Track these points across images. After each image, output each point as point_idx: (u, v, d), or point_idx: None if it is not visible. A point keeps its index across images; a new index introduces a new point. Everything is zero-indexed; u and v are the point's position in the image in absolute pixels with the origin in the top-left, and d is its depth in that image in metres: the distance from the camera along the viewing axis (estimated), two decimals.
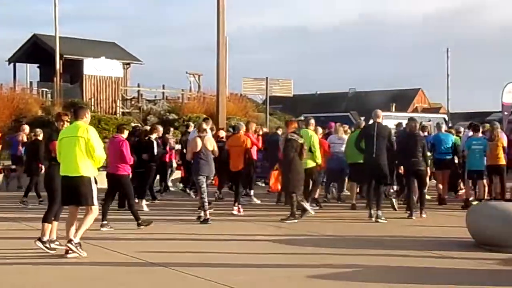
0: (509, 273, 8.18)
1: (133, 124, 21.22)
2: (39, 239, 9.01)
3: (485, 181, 14.91)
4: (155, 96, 36.23)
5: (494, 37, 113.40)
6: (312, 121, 13.79)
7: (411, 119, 14.01)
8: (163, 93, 35.82)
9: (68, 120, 9.47)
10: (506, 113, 29.31)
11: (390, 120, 29.30)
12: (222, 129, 19.25)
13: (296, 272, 8.00)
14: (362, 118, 17.40)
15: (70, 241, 8.63)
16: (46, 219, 9.19)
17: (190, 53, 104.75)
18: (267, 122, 24.23)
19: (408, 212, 12.98)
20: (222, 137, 16.38)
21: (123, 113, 31.82)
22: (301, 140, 12.43)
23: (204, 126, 12.95)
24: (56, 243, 9.17)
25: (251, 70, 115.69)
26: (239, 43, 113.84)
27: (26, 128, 18.58)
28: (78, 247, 8.66)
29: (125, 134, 12.36)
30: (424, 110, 61.40)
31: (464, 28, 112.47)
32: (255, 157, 15.91)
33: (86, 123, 8.94)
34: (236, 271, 8.01)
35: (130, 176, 12.01)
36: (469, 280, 7.68)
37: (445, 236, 10.83)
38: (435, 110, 61.22)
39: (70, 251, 8.63)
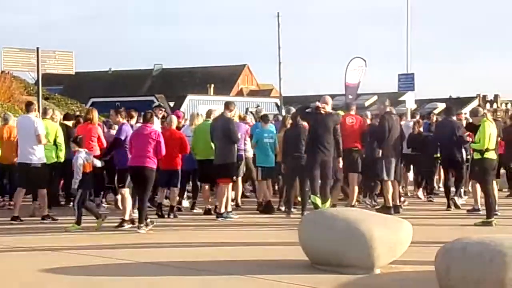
0: None
1: None
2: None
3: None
4: None
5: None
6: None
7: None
8: None
9: None
10: (350, 96, 29.74)
11: (206, 106, 29.76)
12: None
13: None
14: (172, 104, 17.62)
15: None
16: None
17: None
18: (40, 108, 23.43)
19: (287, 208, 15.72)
20: None
21: None
22: None
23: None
24: None
25: (20, 39, 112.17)
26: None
27: None
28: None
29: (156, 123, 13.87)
30: (252, 93, 62.80)
31: None
32: None
33: None
34: None
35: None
36: None
37: (278, 257, 11.06)
38: (265, 92, 62.88)
39: None
